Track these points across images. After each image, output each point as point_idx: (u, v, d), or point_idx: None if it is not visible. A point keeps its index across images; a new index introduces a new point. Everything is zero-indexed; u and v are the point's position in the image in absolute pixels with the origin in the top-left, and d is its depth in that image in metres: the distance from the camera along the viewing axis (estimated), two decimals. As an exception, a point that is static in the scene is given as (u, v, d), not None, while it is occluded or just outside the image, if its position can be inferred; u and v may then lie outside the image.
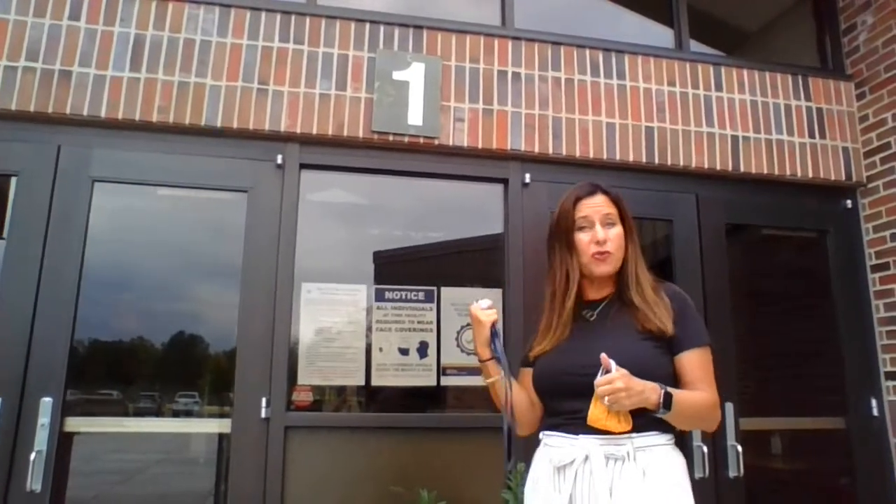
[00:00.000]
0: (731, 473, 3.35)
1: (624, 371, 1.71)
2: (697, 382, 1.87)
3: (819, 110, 3.90)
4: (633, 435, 1.77)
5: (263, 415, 2.96)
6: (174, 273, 3.13)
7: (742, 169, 3.70)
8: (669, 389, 1.77)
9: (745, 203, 3.77)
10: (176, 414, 3.08)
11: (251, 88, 3.17)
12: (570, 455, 1.81)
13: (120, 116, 3.02)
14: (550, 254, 2.11)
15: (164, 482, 3.18)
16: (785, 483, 3.69)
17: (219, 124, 3.11)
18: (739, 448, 3.36)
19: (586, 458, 1.79)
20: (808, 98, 3.90)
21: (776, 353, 3.81)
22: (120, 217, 3.08)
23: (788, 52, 4.17)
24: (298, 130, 3.18)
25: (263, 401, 2.97)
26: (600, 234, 1.96)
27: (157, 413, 3.05)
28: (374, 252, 3.37)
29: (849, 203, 3.92)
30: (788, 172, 3.76)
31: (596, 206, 1.99)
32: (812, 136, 3.85)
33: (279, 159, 3.18)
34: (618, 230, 2.00)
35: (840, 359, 3.72)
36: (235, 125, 3.12)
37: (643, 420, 1.78)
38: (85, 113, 2.99)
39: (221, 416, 3.02)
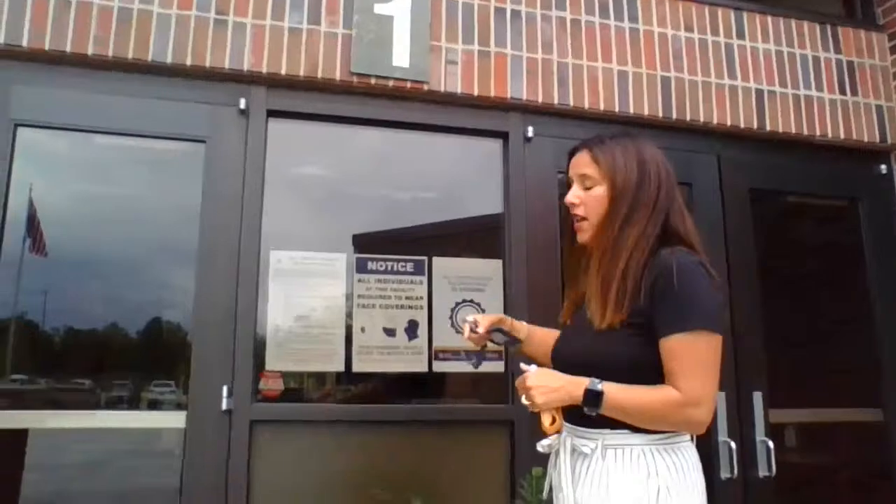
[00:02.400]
0: (761, 473, 2.93)
1: (541, 369, 1.63)
2: (670, 376, 1.55)
3: (850, 64, 3.50)
4: (605, 431, 1.59)
5: (224, 406, 2.47)
6: (116, 239, 2.61)
7: (768, 127, 3.28)
8: (603, 385, 1.54)
9: (771, 166, 3.37)
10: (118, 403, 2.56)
11: (207, 19, 2.66)
12: (550, 442, 1.71)
13: (46, 47, 2.50)
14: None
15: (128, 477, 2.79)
16: (817, 482, 3.27)
17: (169, 61, 2.60)
18: (770, 444, 2.95)
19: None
20: (837, 50, 3.50)
21: (804, 335, 3.39)
22: (49, 169, 2.56)
23: (812, -1, 3.77)
24: (265, 70, 2.69)
25: (224, 390, 2.48)
26: (569, 196, 1.78)
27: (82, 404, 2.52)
28: (355, 215, 2.89)
29: (883, 168, 3.53)
30: (818, 132, 3.36)
31: (575, 166, 1.80)
32: (843, 92, 3.46)
33: (242, 104, 2.68)
34: (595, 192, 1.73)
35: (874, 341, 3.33)
36: (189, 62, 2.61)
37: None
38: (1, 41, 2.47)
39: (179, 407, 2.52)
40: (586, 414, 1.56)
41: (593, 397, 1.53)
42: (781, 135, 3.32)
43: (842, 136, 3.40)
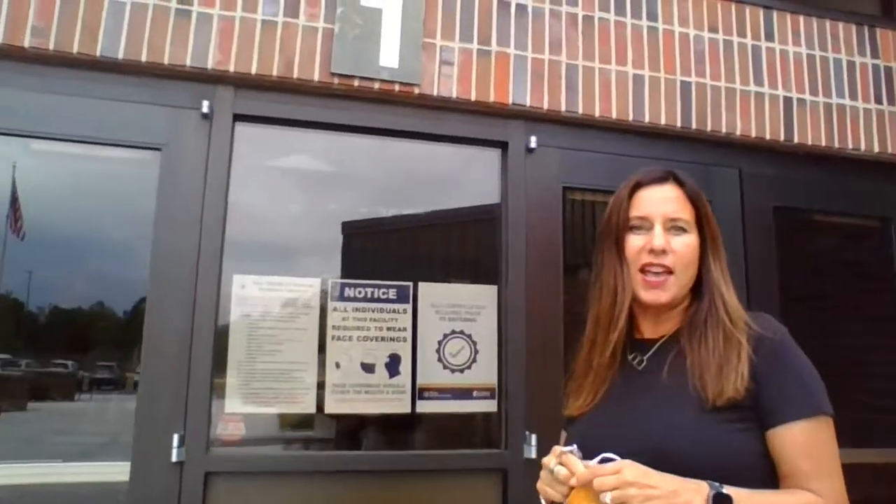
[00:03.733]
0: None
1: (635, 463, 1.14)
2: (801, 476, 1.20)
3: (888, 70, 3.16)
4: None
5: (175, 458, 2.16)
6: (53, 260, 2.29)
7: (796, 139, 2.96)
8: (729, 490, 1.12)
9: (796, 181, 3.04)
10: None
11: (167, 8, 2.31)
12: None
13: (-26, 38, 2.16)
14: (597, 259, 1.46)
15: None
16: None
17: (120, 56, 2.26)
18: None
19: None
20: (874, 54, 3.16)
21: (830, 367, 3.08)
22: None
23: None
24: (232, 69, 2.34)
25: (175, 438, 2.17)
26: (657, 240, 1.34)
27: None
28: (331, 234, 2.56)
29: (918, 185, 3.21)
30: (850, 146, 3.04)
31: (660, 201, 1.38)
32: (879, 101, 3.12)
33: (205, 107, 2.34)
34: (688, 240, 1.36)
35: (904, 375, 3.02)
36: (144, 58, 2.27)
37: None
38: (-80, 30, 2.14)
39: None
40: None
41: None
42: (810, 147, 3.00)
43: (876, 149, 3.08)
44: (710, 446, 1.21)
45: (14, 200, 2.26)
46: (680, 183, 1.40)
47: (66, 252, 2.32)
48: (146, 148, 2.31)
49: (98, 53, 2.24)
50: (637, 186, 1.41)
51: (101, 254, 2.38)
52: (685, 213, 1.37)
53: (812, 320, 3.08)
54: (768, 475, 1.24)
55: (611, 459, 1.16)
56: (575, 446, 1.20)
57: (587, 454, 1.19)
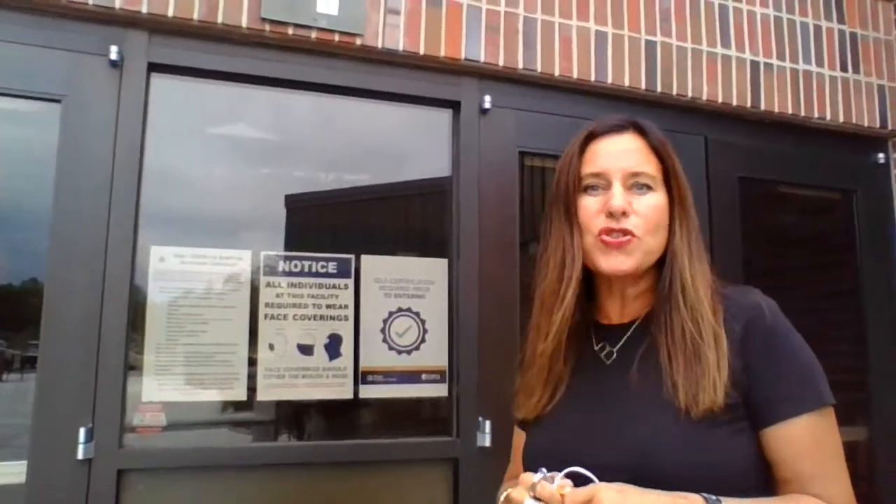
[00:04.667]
0: None
1: (618, 484, 0.93)
2: (804, 479, 1.02)
3: (853, 36, 3.03)
4: None
5: (81, 454, 1.88)
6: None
7: (762, 106, 2.80)
8: (727, 502, 0.95)
9: (762, 150, 2.89)
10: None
11: (66, -64, 2.00)
12: None
13: None
14: (545, 230, 1.23)
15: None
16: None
17: (11, -10, 1.94)
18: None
19: None
20: (840, 19, 3.02)
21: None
22: None
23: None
24: (145, 10, 2.04)
25: (81, 432, 1.89)
26: (616, 200, 1.11)
27: None
28: (264, 203, 2.29)
29: (881, 157, 3.09)
30: (816, 114, 2.90)
31: (619, 154, 1.16)
32: (844, 68, 2.99)
33: (114, 53, 2.03)
34: (654, 199, 1.14)
35: (864, 347, 2.92)
36: (40, -6, 1.96)
37: None
38: None
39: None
40: None
41: None
42: (777, 115, 2.85)
43: (841, 118, 2.94)
44: (700, 458, 1.01)
45: None
46: (642, 132, 1.18)
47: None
48: (43, 99, 1.99)
49: (-16, -13, 1.92)
50: (590, 138, 1.20)
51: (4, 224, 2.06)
52: (649, 166, 1.15)
53: (776, 295, 2.95)
54: (765, 477, 1.06)
55: (579, 474, 0.95)
56: (544, 470, 0.97)
57: (553, 468, 0.97)
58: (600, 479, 0.94)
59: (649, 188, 1.14)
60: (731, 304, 1.10)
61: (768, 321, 1.07)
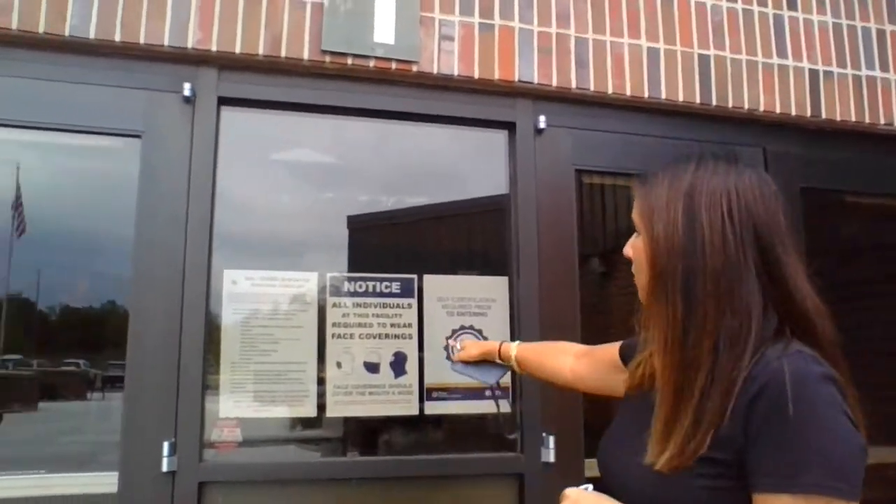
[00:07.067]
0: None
1: (596, 494, 1.11)
2: None
3: (919, 38, 2.97)
4: None
5: (165, 467, 1.99)
6: (23, 260, 2.12)
7: (823, 115, 2.76)
8: None
9: (824, 160, 2.84)
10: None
11: (142, -17, 2.15)
12: None
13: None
14: None
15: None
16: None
17: (92, 35, 2.08)
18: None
19: None
20: (904, 22, 2.97)
21: (862, 360, 2.87)
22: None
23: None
24: (214, 48, 2.17)
25: (165, 446, 2.00)
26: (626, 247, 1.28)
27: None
28: (329, 226, 2.38)
29: (954, 162, 3.00)
30: (882, 121, 2.84)
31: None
32: (910, 72, 2.93)
33: (187, 90, 2.17)
34: (636, 242, 1.24)
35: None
36: (118, 38, 2.10)
37: None
38: None
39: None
40: None
41: None
42: (839, 123, 2.80)
43: (909, 123, 2.88)
44: (651, 491, 1.05)
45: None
46: (641, 181, 1.22)
47: (48, 249, 2.16)
48: (124, 135, 2.14)
49: (67, 33, 2.07)
50: None
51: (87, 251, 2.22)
52: (635, 213, 1.21)
53: (843, 309, 2.88)
54: None
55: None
56: (589, 487, 1.11)
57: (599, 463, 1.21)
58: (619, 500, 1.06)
59: (637, 233, 1.22)
60: (762, 361, 1.01)
61: (784, 388, 0.96)
